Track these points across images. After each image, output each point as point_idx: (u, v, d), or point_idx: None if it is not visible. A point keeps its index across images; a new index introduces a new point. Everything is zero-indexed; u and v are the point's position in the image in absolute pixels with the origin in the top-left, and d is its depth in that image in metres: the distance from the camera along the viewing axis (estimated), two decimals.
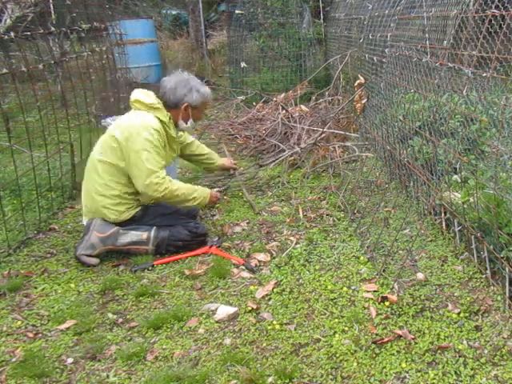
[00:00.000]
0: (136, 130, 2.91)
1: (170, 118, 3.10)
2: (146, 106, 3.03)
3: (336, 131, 4.97)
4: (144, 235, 2.98)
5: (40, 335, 2.33)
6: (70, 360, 2.15)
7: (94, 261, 2.93)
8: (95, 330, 2.35)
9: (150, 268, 2.89)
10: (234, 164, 3.97)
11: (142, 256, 2.97)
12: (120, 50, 6.01)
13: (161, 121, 3.03)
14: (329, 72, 7.44)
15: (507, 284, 2.36)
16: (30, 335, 2.33)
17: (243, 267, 2.85)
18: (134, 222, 3.03)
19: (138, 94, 3.08)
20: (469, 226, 2.64)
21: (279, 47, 7.98)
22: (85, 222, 3.07)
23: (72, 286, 2.73)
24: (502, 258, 2.38)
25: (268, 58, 8.10)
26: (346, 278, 2.68)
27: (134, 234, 2.98)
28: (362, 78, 5.19)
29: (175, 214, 3.13)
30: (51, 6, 4.91)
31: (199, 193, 3.17)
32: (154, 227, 3.01)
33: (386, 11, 5.05)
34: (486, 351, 2.07)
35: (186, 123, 3.19)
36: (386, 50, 4.36)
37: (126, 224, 3.01)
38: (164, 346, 2.22)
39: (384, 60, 4.39)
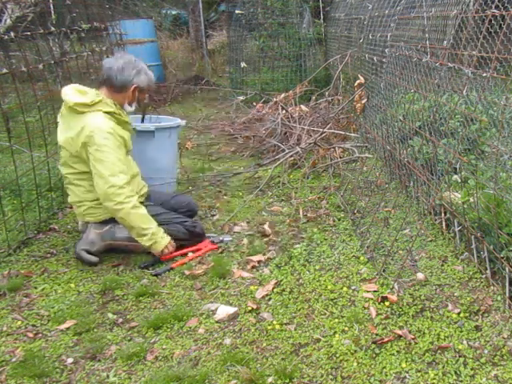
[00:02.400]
0: (89, 134, 2.80)
1: (115, 105, 2.97)
2: (88, 106, 2.86)
3: (336, 131, 4.97)
4: None
5: (40, 335, 2.33)
6: (70, 360, 2.15)
7: (94, 259, 2.93)
8: (95, 330, 2.35)
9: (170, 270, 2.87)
10: None
11: (141, 255, 2.97)
12: (120, 50, 6.01)
13: (108, 112, 2.91)
14: (329, 72, 7.44)
15: (507, 284, 2.36)
16: (30, 335, 2.32)
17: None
18: None
19: (74, 97, 2.88)
20: (469, 226, 2.64)
21: (279, 47, 7.99)
22: (80, 224, 3.10)
23: (72, 285, 2.73)
24: (502, 257, 2.38)
25: (268, 57, 8.11)
26: (346, 278, 2.68)
27: None
28: (361, 77, 5.20)
29: (172, 213, 3.12)
30: (51, 6, 4.91)
31: (156, 230, 2.91)
32: None
33: (386, 11, 5.06)
34: (486, 351, 2.06)
35: (131, 106, 3.07)
36: (386, 50, 4.36)
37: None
38: (164, 346, 2.22)
39: (384, 60, 4.39)
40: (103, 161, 2.81)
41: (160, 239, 2.92)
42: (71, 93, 2.92)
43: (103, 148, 2.81)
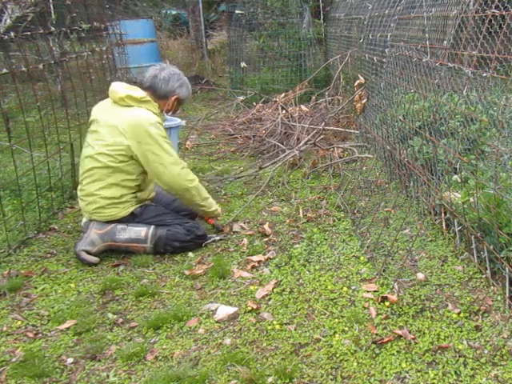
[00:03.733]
0: (143, 129, 2.90)
1: (159, 109, 3.11)
2: (138, 101, 2.99)
3: (335, 128, 4.97)
4: (142, 232, 2.99)
5: (40, 335, 2.33)
6: (70, 360, 2.15)
7: (94, 259, 2.93)
8: (95, 330, 2.35)
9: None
10: None
11: (141, 256, 2.97)
12: (120, 50, 6.01)
13: (154, 113, 3.03)
14: (329, 72, 7.44)
15: (507, 284, 2.36)
16: (30, 335, 2.32)
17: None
18: (133, 218, 3.03)
19: (127, 90, 3.01)
20: (469, 226, 2.64)
21: (279, 47, 7.99)
22: (83, 222, 3.09)
23: (72, 285, 2.73)
24: (502, 258, 2.38)
25: (268, 57, 8.10)
26: (346, 278, 2.68)
27: (132, 230, 2.99)
28: (361, 77, 5.19)
29: (174, 214, 3.14)
30: (51, 6, 4.91)
31: (213, 202, 3.28)
32: (152, 226, 3.02)
33: (386, 11, 5.06)
34: (486, 351, 2.06)
35: (165, 114, 3.26)
36: (386, 50, 4.36)
37: (124, 220, 3.02)
38: (164, 346, 2.22)
39: (384, 60, 4.39)
40: (164, 149, 2.96)
41: (216, 209, 3.32)
42: (122, 86, 3.05)
43: (159, 138, 2.94)
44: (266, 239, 3.18)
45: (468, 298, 2.41)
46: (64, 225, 3.51)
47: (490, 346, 2.09)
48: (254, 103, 6.50)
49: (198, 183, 3.14)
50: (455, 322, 2.25)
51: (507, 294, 2.35)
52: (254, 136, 5.42)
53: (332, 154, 4.54)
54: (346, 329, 2.26)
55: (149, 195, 3.21)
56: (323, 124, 4.91)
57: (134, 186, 3.04)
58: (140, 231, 2.99)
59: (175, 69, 3.20)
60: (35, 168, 3.40)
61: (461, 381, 1.93)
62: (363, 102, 4.98)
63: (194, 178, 3.11)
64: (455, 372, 1.97)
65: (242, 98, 6.80)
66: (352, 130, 4.95)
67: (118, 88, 3.02)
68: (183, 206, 3.30)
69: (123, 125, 2.92)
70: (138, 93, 3.02)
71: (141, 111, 2.97)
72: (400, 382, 1.95)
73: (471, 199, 2.66)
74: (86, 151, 3.03)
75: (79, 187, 3.08)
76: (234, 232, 3.31)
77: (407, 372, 1.98)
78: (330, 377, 1.99)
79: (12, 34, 3.26)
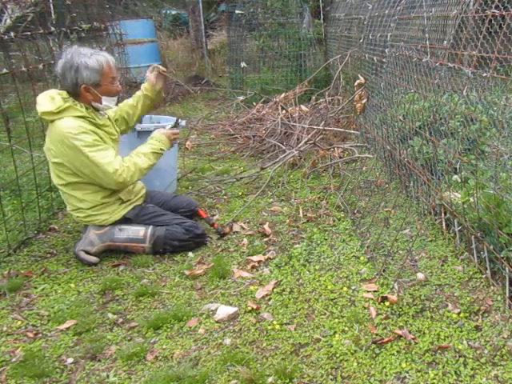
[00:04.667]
0: (66, 146, 2.75)
1: (86, 108, 2.83)
2: (55, 114, 2.75)
3: (335, 129, 4.97)
4: (141, 232, 2.99)
5: (40, 335, 2.33)
6: (70, 360, 2.15)
7: (94, 259, 2.94)
8: (95, 330, 2.35)
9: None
10: (159, 71, 3.25)
11: (141, 256, 2.97)
12: (120, 49, 6.01)
13: (78, 117, 2.78)
14: (329, 72, 7.44)
15: (507, 284, 2.36)
16: (30, 335, 2.33)
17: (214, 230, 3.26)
18: (130, 221, 3.03)
19: (42, 106, 2.77)
20: (469, 226, 2.64)
21: (279, 47, 7.99)
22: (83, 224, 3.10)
23: (72, 285, 2.73)
24: (502, 257, 2.38)
25: (268, 57, 8.10)
26: (346, 278, 2.68)
27: (130, 229, 2.99)
28: (361, 77, 5.19)
29: (172, 214, 3.13)
30: (51, 6, 4.91)
31: (154, 146, 3.01)
32: (151, 226, 3.02)
33: (386, 11, 5.06)
34: (486, 351, 2.06)
35: (101, 103, 2.87)
36: (386, 50, 4.36)
37: (121, 223, 3.02)
38: (164, 346, 2.22)
39: (384, 60, 4.39)
40: (92, 162, 2.77)
41: (162, 143, 3.05)
42: (41, 101, 2.81)
43: (84, 149, 2.74)
44: (266, 239, 3.19)
45: (468, 298, 2.41)
46: (64, 225, 3.52)
47: (490, 345, 2.09)
48: (254, 103, 6.50)
49: (130, 169, 2.87)
50: (455, 322, 2.25)
51: (507, 294, 2.35)
52: (254, 136, 5.42)
53: (332, 153, 4.53)
54: (346, 329, 2.26)
55: (137, 195, 3.13)
56: (323, 124, 4.92)
57: (105, 189, 2.94)
58: (138, 230, 2.99)
59: (68, 53, 2.78)
60: (35, 168, 3.40)
61: (461, 381, 1.93)
62: (363, 101, 4.98)
63: (131, 171, 2.86)
64: (455, 372, 1.97)
65: (241, 97, 6.80)
66: (352, 131, 4.95)
67: (38, 105, 2.79)
68: (182, 204, 3.30)
69: (51, 146, 2.83)
70: (53, 104, 2.76)
71: (61, 125, 2.74)
72: (400, 381, 1.95)
73: (471, 199, 2.66)
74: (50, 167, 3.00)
75: None
76: (234, 232, 3.31)
77: (407, 372, 1.98)
78: (330, 377, 1.99)
79: (12, 33, 3.26)
